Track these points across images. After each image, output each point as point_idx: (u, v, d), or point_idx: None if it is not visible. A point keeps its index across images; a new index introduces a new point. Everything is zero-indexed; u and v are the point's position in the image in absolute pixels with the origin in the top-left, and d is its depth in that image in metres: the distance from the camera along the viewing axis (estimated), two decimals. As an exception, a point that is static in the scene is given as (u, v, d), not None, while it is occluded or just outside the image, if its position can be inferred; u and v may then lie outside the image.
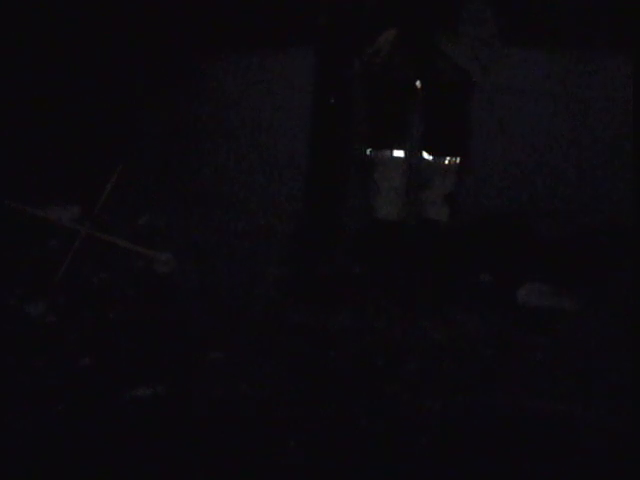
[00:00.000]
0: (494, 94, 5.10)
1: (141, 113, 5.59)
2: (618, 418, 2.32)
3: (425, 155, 3.44)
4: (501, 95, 5.48)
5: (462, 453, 2.21)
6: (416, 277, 3.20)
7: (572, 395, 2.44)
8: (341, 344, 2.74)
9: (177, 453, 2.20)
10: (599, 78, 6.37)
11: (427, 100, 3.37)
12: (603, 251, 3.42)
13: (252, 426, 2.31)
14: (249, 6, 7.73)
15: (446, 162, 3.41)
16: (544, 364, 2.62)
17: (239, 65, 7.20)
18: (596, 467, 2.16)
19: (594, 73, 6.50)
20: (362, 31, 3.18)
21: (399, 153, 3.40)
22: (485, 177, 4.28)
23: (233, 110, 5.88)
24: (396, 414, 2.37)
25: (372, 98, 3.39)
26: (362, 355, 2.69)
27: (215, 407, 2.40)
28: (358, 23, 3.07)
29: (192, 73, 6.99)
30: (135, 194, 3.93)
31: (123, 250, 3.33)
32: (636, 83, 4.65)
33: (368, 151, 3.43)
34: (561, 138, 5.12)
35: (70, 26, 6.76)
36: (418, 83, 3.33)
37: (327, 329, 2.83)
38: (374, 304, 3.00)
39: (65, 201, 3.77)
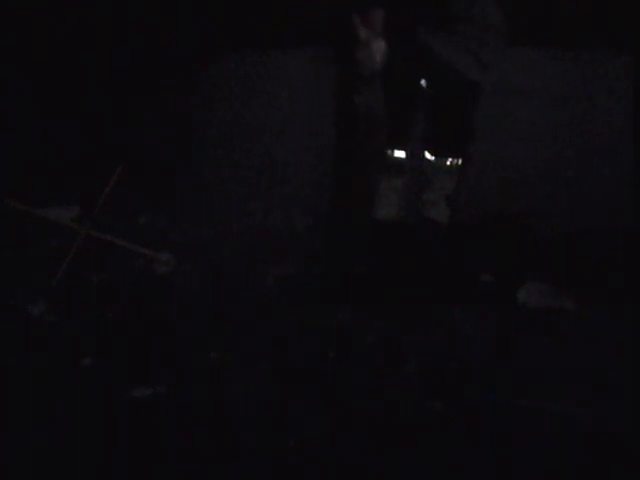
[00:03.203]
0: (493, 94, 5.09)
1: (141, 113, 5.59)
2: (618, 418, 2.32)
3: (427, 155, 3.44)
4: (500, 95, 5.47)
5: (462, 453, 2.21)
6: (416, 277, 3.20)
7: (572, 395, 2.44)
8: (341, 344, 2.74)
9: (177, 453, 2.20)
10: (599, 78, 6.37)
11: (430, 100, 3.37)
12: (603, 251, 3.42)
13: (252, 426, 2.31)
14: (251, 6, 7.73)
15: (447, 163, 3.41)
16: (544, 364, 2.62)
17: (240, 65, 7.20)
18: (596, 467, 2.16)
19: (594, 73, 6.50)
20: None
21: (400, 153, 3.40)
22: (485, 177, 4.27)
23: (234, 110, 5.88)
24: (396, 414, 2.37)
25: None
26: (362, 355, 2.69)
27: (215, 407, 2.40)
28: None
29: (193, 73, 6.98)
30: (135, 194, 3.93)
31: (123, 250, 3.33)
32: (636, 83, 4.66)
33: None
34: (561, 138, 5.12)
35: (70, 26, 6.76)
36: (423, 82, 3.32)
37: (327, 329, 2.83)
38: (374, 304, 3.00)
39: (65, 201, 3.77)
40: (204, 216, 3.86)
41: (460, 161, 3.42)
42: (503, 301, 3.02)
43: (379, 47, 2.89)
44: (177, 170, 4.57)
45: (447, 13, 3.17)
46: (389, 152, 3.37)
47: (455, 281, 3.19)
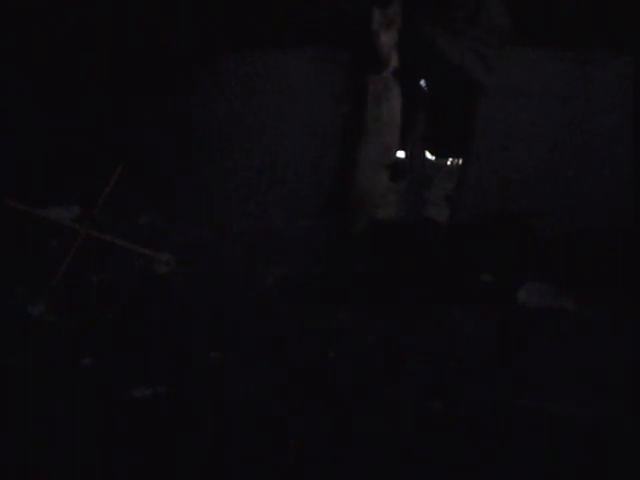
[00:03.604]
0: (493, 94, 5.08)
1: (141, 113, 5.59)
2: (618, 418, 2.32)
3: (427, 155, 3.44)
4: (501, 94, 5.47)
5: (462, 453, 2.21)
6: (416, 277, 3.20)
7: (572, 395, 2.44)
8: (341, 344, 2.74)
9: (177, 453, 2.20)
10: (599, 78, 6.37)
11: (431, 100, 3.36)
12: (603, 251, 3.42)
13: (252, 426, 2.31)
14: (251, 6, 7.73)
15: (448, 162, 3.40)
16: (544, 364, 2.62)
17: (240, 65, 7.19)
18: (596, 467, 2.16)
19: (594, 73, 6.50)
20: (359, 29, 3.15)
21: (400, 153, 3.40)
22: (485, 177, 4.27)
23: (234, 110, 5.87)
24: (396, 414, 2.37)
25: None
26: (362, 355, 2.69)
27: (215, 407, 2.40)
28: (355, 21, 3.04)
29: (193, 73, 6.98)
30: (135, 194, 3.93)
31: (123, 250, 3.33)
32: (636, 83, 4.66)
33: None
34: (561, 138, 5.11)
35: (70, 26, 6.76)
36: (422, 82, 3.32)
37: (327, 329, 2.83)
38: (374, 304, 3.00)
39: (65, 201, 3.77)
40: (204, 216, 3.86)
41: (460, 161, 3.42)
42: (503, 301, 3.02)
43: (390, 39, 2.89)
44: (177, 170, 4.57)
45: (453, 14, 3.16)
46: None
47: (455, 281, 3.19)
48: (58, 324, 2.89)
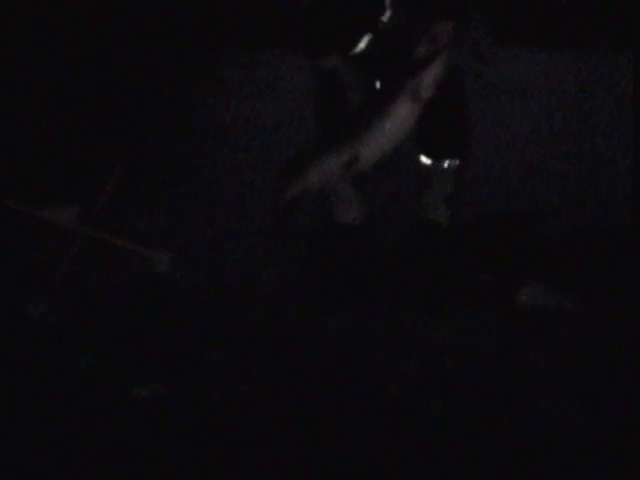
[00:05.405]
0: (493, 93, 5.09)
1: (141, 113, 5.59)
2: (617, 418, 2.32)
3: (422, 159, 3.42)
4: (500, 94, 5.47)
5: (462, 453, 2.21)
6: (416, 277, 3.20)
7: (572, 395, 2.44)
8: (341, 344, 2.74)
9: (177, 453, 2.20)
10: (599, 78, 6.37)
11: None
12: (603, 251, 3.42)
13: (251, 426, 2.31)
14: (250, 5, 7.74)
15: (445, 165, 3.39)
16: (544, 364, 2.62)
17: (240, 64, 7.19)
18: (595, 467, 2.16)
19: (594, 73, 6.50)
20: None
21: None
22: (485, 177, 4.27)
23: (234, 110, 5.87)
24: (396, 414, 2.37)
25: None
26: (362, 355, 2.69)
27: (215, 407, 2.40)
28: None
29: (192, 72, 6.98)
30: (135, 194, 3.93)
31: (123, 250, 3.33)
32: (636, 83, 4.66)
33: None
34: (561, 138, 5.11)
35: (70, 25, 6.76)
36: None
37: (327, 329, 2.83)
38: (374, 304, 3.00)
39: (65, 201, 3.77)
40: (204, 216, 3.86)
41: (458, 161, 3.40)
42: (503, 301, 3.03)
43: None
44: (177, 170, 4.57)
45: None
46: None
47: (455, 281, 3.19)
48: (58, 324, 2.89)
